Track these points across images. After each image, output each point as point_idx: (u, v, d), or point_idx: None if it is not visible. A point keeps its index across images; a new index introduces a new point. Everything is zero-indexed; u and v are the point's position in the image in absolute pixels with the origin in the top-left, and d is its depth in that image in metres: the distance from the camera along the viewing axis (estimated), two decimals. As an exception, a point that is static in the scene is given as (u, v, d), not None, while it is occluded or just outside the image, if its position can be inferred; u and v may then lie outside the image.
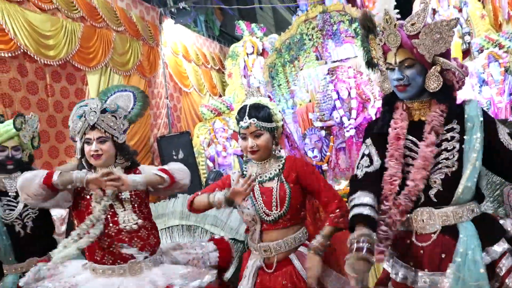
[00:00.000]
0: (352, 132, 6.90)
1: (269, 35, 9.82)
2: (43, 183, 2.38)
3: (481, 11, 8.46)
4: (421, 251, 1.98)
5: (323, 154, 7.08)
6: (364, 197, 2.00)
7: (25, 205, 3.23)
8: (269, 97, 7.92)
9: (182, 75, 8.54)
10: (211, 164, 7.94)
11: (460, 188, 1.94)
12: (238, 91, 9.31)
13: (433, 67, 1.97)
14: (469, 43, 8.27)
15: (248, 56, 9.41)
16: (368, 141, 2.17)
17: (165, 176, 2.56)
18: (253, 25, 9.58)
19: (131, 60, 6.72)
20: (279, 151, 2.64)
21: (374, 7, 8.81)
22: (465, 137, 1.97)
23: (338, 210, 2.45)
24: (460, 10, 8.57)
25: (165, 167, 2.68)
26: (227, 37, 14.93)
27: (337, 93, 7.13)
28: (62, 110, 5.47)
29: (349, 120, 7.00)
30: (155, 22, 7.83)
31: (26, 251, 3.22)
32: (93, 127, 2.54)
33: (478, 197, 2.04)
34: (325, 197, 2.52)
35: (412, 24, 1.97)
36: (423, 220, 1.99)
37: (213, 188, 2.59)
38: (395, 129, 2.04)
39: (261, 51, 9.43)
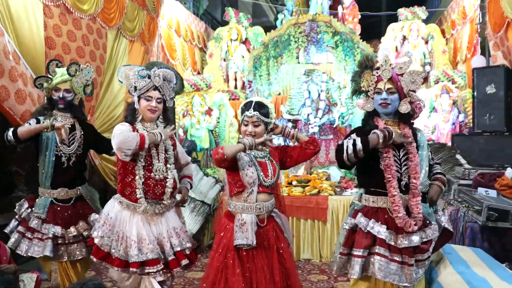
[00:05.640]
0: (316, 129, 7.74)
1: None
2: (139, 147, 3.13)
3: (443, 46, 9.48)
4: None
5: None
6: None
7: (79, 145, 3.92)
8: (249, 82, 8.78)
9: (172, 47, 9.14)
10: (181, 134, 8.65)
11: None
12: (216, 71, 9.97)
13: (406, 98, 3.06)
14: (428, 72, 9.19)
15: (231, 42, 10.08)
16: (354, 134, 3.12)
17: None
18: (241, 14, 10.28)
19: (136, 27, 7.30)
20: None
21: (353, 21, 9.81)
22: (419, 152, 3.13)
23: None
24: (427, 42, 9.55)
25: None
26: (208, 17, 15.50)
27: (309, 93, 7.98)
28: (95, 59, 6.09)
29: (314, 118, 7.83)
30: (158, -6, 8.46)
31: (60, 181, 3.86)
32: (155, 88, 3.28)
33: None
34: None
35: (400, 68, 3.08)
36: None
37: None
38: None
39: (244, 39, 10.19)
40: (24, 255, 3.81)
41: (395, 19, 10.16)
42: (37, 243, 3.78)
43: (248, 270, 3.12)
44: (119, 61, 6.91)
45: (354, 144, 2.97)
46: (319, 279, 5.41)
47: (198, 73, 10.33)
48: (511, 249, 4.21)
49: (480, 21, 7.59)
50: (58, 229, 3.79)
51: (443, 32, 9.87)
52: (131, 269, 3.20)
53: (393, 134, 2.95)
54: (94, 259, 3.34)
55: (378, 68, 3.11)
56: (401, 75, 3.05)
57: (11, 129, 3.70)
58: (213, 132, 8.44)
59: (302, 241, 6.19)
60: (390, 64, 3.08)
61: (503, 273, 3.25)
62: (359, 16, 10.00)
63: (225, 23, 10.68)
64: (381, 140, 2.93)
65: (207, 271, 3.26)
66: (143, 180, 3.27)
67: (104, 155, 6.05)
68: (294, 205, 6.09)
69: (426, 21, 10.03)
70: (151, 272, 3.22)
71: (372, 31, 12.31)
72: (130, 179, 3.30)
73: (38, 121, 3.81)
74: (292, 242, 3.58)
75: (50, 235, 3.76)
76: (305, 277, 5.40)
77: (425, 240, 3.03)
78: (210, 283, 3.16)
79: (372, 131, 2.99)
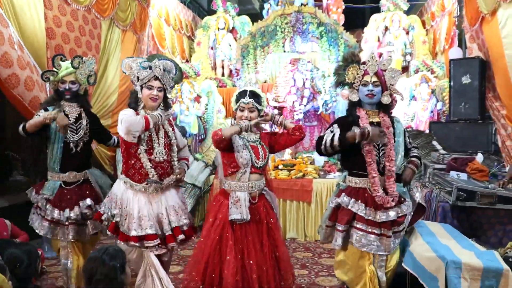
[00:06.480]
0: (301, 116, 8.06)
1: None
2: (145, 128, 3.46)
3: (424, 37, 9.76)
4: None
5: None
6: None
7: (85, 132, 4.20)
8: (236, 70, 9.08)
9: (162, 36, 9.38)
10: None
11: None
12: (204, 59, 10.23)
13: (387, 90, 3.52)
14: (409, 62, 9.54)
15: (219, 31, 10.33)
16: (336, 125, 3.60)
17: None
18: (228, 3, 10.52)
19: (129, 17, 7.51)
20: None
21: (337, 12, 10.13)
22: (395, 138, 3.57)
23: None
24: (407, 33, 9.82)
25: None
26: (195, 5, 15.66)
27: (294, 81, 8.27)
28: (91, 49, 6.36)
29: (299, 105, 8.15)
30: (148, -15, 8.66)
31: (69, 165, 4.16)
32: (156, 78, 3.58)
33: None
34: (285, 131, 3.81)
35: (384, 64, 3.52)
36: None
37: None
38: (364, 123, 3.48)
39: (231, 28, 10.46)
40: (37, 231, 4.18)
41: (377, 9, 10.45)
42: (41, 221, 4.14)
43: (240, 242, 3.51)
44: (113, 50, 7.15)
45: (332, 139, 3.45)
46: (304, 256, 5.82)
47: (187, 61, 10.53)
48: (478, 226, 4.63)
49: (458, 14, 7.94)
50: (57, 212, 4.09)
51: (423, 23, 10.08)
52: (131, 242, 3.56)
53: (371, 133, 3.31)
54: (108, 233, 3.70)
55: (364, 63, 3.54)
56: (385, 70, 3.51)
57: (22, 124, 4.01)
58: (202, 118, 8.74)
59: (288, 221, 6.60)
60: (376, 61, 3.53)
61: (465, 243, 3.70)
62: (343, 7, 10.29)
63: (211, 11, 10.90)
64: (357, 139, 3.34)
65: (203, 243, 3.60)
66: (147, 162, 3.59)
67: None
68: (281, 188, 6.46)
69: (408, 12, 10.26)
70: (149, 246, 3.57)
71: (356, 21, 12.60)
72: (133, 162, 3.63)
73: (46, 111, 4.08)
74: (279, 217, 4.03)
75: (49, 218, 4.09)
76: (291, 254, 5.75)
77: (400, 215, 3.51)
78: (206, 254, 3.53)
79: (353, 128, 3.37)
